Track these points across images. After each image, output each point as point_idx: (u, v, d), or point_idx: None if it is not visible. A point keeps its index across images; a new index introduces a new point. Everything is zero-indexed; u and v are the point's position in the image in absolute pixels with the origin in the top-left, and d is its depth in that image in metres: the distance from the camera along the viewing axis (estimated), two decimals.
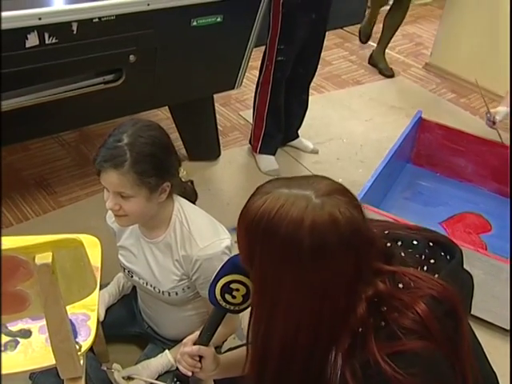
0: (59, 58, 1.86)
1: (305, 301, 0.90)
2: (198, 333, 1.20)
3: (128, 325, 1.80)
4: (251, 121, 3.14)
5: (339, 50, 4.22)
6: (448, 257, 1.03)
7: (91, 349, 1.69)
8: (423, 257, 1.01)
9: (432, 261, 1.01)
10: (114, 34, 1.92)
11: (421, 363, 0.87)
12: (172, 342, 1.68)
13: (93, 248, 1.52)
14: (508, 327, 2.05)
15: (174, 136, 2.80)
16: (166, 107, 2.77)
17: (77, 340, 1.30)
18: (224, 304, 1.13)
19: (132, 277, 1.59)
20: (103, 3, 1.81)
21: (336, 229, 0.85)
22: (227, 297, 1.12)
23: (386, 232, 1.05)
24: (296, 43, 2.60)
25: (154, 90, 2.24)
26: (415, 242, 1.02)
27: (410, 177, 2.82)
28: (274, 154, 2.91)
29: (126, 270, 1.61)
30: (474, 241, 2.46)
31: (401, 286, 0.94)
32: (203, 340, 1.20)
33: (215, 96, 2.74)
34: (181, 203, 1.50)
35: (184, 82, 2.31)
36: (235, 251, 1.15)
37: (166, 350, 1.60)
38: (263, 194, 0.91)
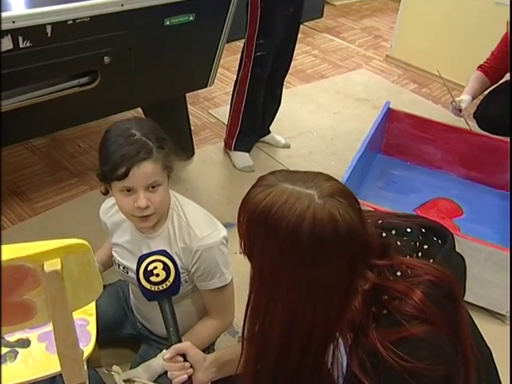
0: (34, 61, 1.83)
1: (301, 296, 0.92)
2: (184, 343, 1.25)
3: (121, 326, 1.79)
4: (222, 119, 3.15)
5: (302, 45, 4.26)
6: (440, 241, 1.07)
7: None
8: (417, 244, 1.05)
9: (426, 246, 1.05)
10: (89, 35, 1.90)
11: (425, 346, 0.90)
12: (168, 341, 1.67)
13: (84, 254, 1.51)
14: (490, 307, 2.13)
15: None
16: (137, 108, 2.74)
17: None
18: (156, 288, 1.24)
19: (127, 273, 1.58)
20: (77, 5, 1.79)
21: (334, 229, 0.87)
22: (153, 279, 1.25)
23: (380, 221, 1.08)
24: (275, 37, 2.59)
25: (130, 91, 2.22)
26: (409, 230, 1.06)
27: (382, 166, 2.88)
28: (249, 151, 2.92)
29: (121, 267, 1.60)
30: (448, 225, 2.49)
31: (399, 273, 0.97)
32: (173, 340, 1.24)
33: None
34: (176, 196, 1.53)
35: (158, 81, 2.30)
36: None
37: (165, 350, 1.59)
38: (266, 186, 0.92)
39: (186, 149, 2.84)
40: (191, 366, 1.23)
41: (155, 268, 1.25)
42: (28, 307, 1.03)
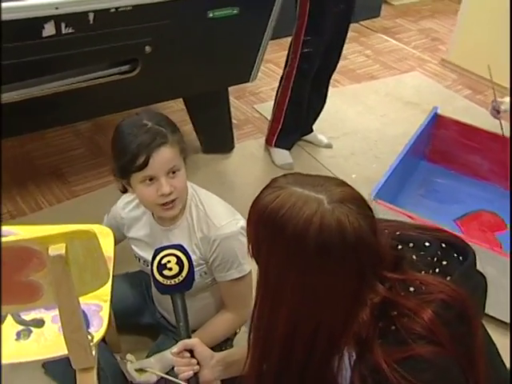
0: (75, 47, 1.86)
1: (305, 302, 0.89)
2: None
3: (140, 314, 1.81)
4: (266, 114, 3.13)
5: (355, 44, 4.18)
6: (461, 258, 1.02)
7: (103, 339, 1.70)
8: (435, 259, 1.00)
9: (444, 262, 1.00)
10: (131, 24, 1.92)
11: (431, 369, 0.86)
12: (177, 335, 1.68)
13: (105, 238, 1.52)
14: None
15: (188, 128, 2.80)
16: (180, 99, 2.76)
17: (89, 330, 1.30)
18: (168, 282, 1.24)
19: (148, 266, 1.59)
20: None
21: (342, 236, 0.85)
22: (166, 273, 1.24)
23: (398, 233, 1.03)
24: (324, 34, 2.54)
25: (170, 81, 2.24)
26: (427, 244, 1.01)
27: (425, 174, 2.79)
28: (289, 149, 2.89)
29: (142, 260, 1.61)
30: (489, 239, 2.43)
31: (412, 289, 0.93)
32: (182, 335, 1.23)
33: (230, 89, 2.73)
34: (194, 187, 1.54)
35: (199, 73, 2.30)
36: None
37: (180, 342, 1.59)
38: (276, 188, 0.91)
39: (225, 142, 2.84)
40: (198, 363, 1.22)
41: (169, 262, 1.25)
42: (34, 288, 1.05)
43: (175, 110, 3.10)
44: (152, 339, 1.83)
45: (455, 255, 1.02)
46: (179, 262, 1.26)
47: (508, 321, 2.01)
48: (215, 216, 1.48)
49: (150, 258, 1.58)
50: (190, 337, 1.25)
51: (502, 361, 1.06)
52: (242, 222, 1.48)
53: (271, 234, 0.89)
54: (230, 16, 2.16)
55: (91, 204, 2.42)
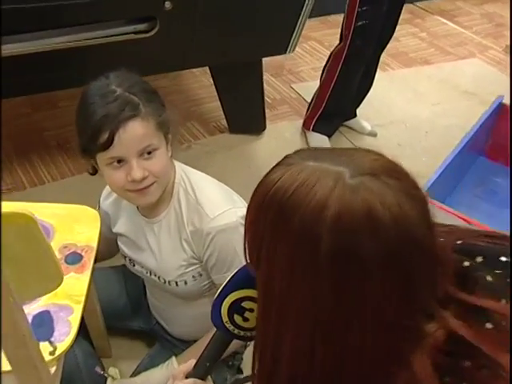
0: None
1: (316, 330, 0.61)
2: (192, 362, 0.90)
3: (132, 318, 1.53)
4: (304, 95, 2.82)
5: (408, 26, 3.79)
6: None
7: (91, 343, 1.43)
8: None
9: None
10: None
11: None
12: (183, 344, 1.39)
13: (90, 223, 1.25)
14: None
15: (216, 105, 2.51)
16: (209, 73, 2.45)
17: (51, 340, 1.03)
18: (232, 328, 0.84)
19: (134, 266, 1.32)
20: None
21: (372, 227, 0.56)
22: (237, 318, 0.83)
23: (459, 242, 0.71)
24: (381, 4, 2.19)
25: (192, 46, 1.93)
26: (503, 259, 0.68)
27: (483, 172, 2.43)
28: (330, 136, 2.56)
29: (127, 259, 1.34)
30: None
31: (489, 325, 0.61)
32: (199, 372, 0.90)
33: (266, 65, 2.41)
34: (184, 169, 1.24)
35: (228, 40, 1.98)
36: None
37: (173, 358, 1.29)
38: (285, 165, 0.63)
39: (255, 122, 2.52)
40: None
41: (251, 311, 0.83)
42: None
43: (205, 85, 2.82)
44: (147, 345, 1.55)
45: None
46: None
47: None
48: (208, 204, 1.17)
49: (134, 256, 1.30)
50: (205, 379, 0.94)
51: None
52: (243, 211, 1.16)
53: (275, 225, 0.61)
54: None
55: (96, 183, 2.15)
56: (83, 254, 1.18)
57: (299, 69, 3.14)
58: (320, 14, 3.55)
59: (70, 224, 1.24)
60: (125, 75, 1.12)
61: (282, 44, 2.15)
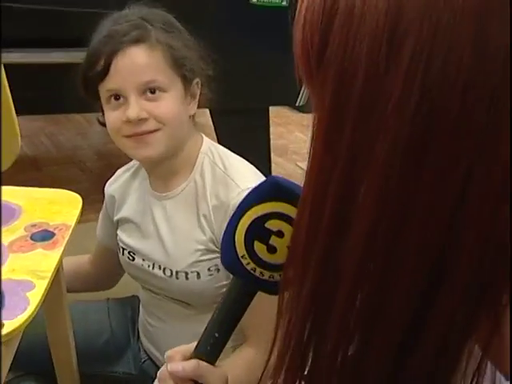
0: None
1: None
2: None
3: (116, 361, 1.20)
4: None
5: None
6: None
7: None
8: None
9: None
10: None
11: None
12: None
13: (70, 204, 1.05)
14: None
15: None
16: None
17: None
18: (252, 266, 0.55)
19: (133, 259, 1.08)
20: None
21: None
22: (258, 248, 0.55)
23: None
24: None
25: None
26: None
27: None
28: None
29: (126, 251, 1.09)
30: None
31: None
32: (204, 349, 0.61)
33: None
34: (213, 143, 1.06)
35: (229, 77, 1.85)
36: None
37: None
38: None
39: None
40: None
41: (279, 235, 0.54)
42: None
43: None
44: None
45: None
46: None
47: None
48: (239, 176, 0.97)
49: (136, 245, 1.05)
50: (214, 362, 0.63)
51: None
52: None
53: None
54: (277, 7, 1.76)
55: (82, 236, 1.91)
56: (56, 231, 0.94)
57: (303, 151, 3.04)
58: None
59: (43, 205, 1.02)
60: (150, 9, 0.98)
61: (292, 93, 2.01)
